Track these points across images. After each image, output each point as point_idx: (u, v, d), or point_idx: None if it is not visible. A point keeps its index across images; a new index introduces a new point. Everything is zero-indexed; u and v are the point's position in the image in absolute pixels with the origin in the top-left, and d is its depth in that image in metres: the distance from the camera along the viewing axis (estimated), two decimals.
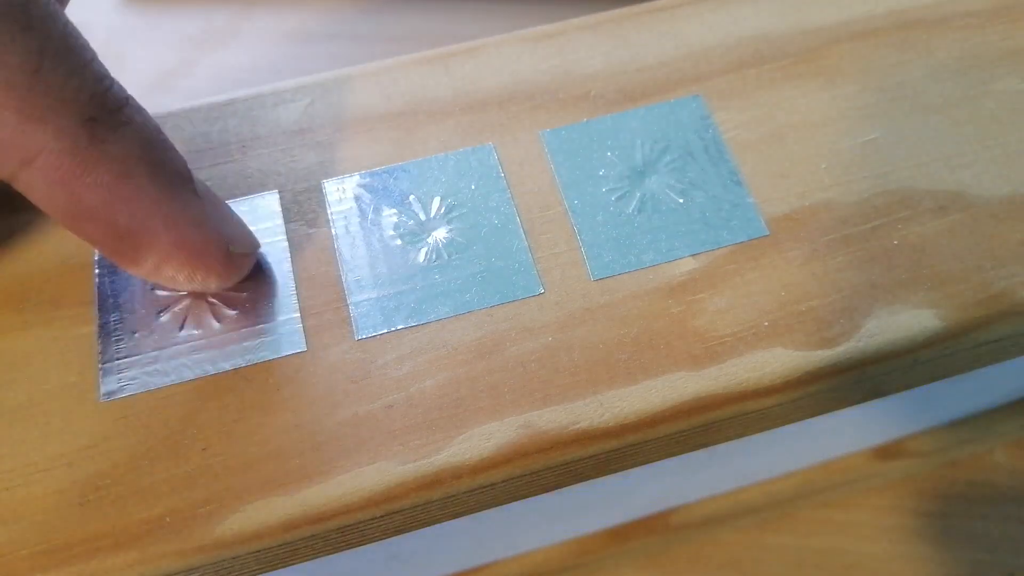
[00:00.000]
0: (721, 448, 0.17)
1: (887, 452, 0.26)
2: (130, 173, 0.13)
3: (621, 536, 0.25)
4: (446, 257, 0.16)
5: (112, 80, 0.13)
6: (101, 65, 0.13)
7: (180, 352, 0.15)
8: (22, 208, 0.17)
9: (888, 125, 0.18)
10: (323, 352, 0.16)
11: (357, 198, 0.17)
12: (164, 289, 0.16)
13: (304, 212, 0.17)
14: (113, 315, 0.16)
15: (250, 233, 0.16)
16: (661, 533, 0.25)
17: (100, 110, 0.13)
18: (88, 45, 0.13)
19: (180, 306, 0.16)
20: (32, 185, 0.13)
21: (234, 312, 0.16)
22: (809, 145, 0.18)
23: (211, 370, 0.15)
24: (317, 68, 0.19)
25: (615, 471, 0.16)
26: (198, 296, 0.16)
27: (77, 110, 0.13)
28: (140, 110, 0.14)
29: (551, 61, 0.19)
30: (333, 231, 0.17)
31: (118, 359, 0.15)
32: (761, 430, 0.16)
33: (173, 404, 0.15)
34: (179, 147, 0.18)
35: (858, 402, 0.17)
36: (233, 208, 0.17)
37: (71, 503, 0.14)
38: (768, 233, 0.17)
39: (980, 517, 0.27)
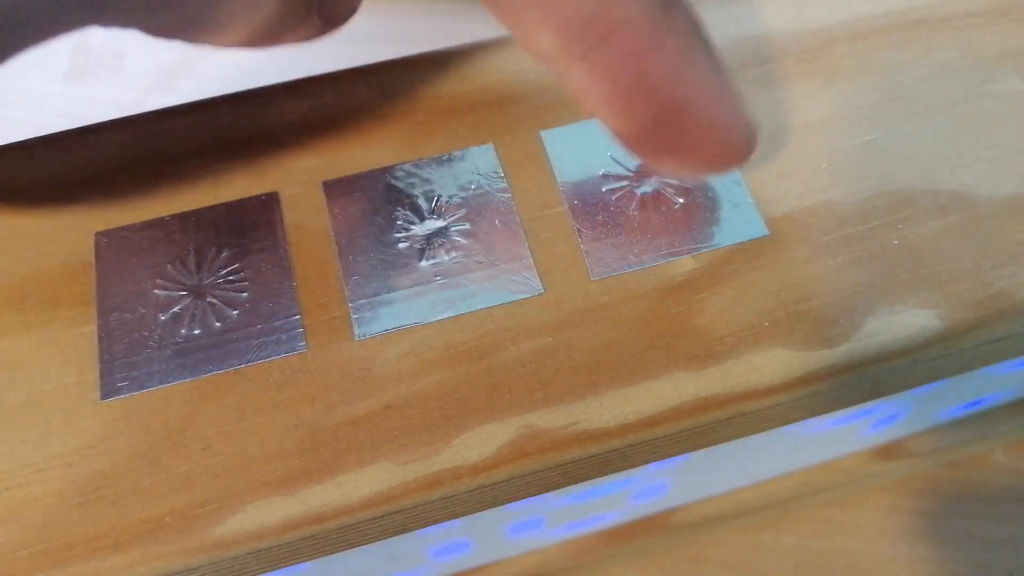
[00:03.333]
0: (721, 448, 0.17)
1: (887, 452, 0.26)
2: (691, 46, 0.13)
3: (621, 536, 0.25)
4: (446, 257, 0.16)
5: None
6: None
7: (180, 352, 0.15)
8: (22, 208, 0.17)
9: (888, 125, 0.18)
10: (323, 352, 0.16)
11: (357, 198, 0.17)
12: (165, 289, 0.16)
13: (304, 212, 0.17)
14: (113, 315, 0.16)
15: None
16: (661, 533, 0.25)
17: None
18: None
19: (180, 306, 0.16)
20: (599, 65, 0.13)
21: (234, 312, 0.16)
22: (809, 145, 0.18)
23: (211, 370, 0.15)
24: (317, 68, 0.19)
25: (615, 471, 0.16)
26: (198, 295, 0.16)
27: None
28: None
29: None
30: (333, 231, 0.17)
31: (118, 359, 0.15)
32: (761, 430, 0.16)
33: (173, 404, 0.15)
34: (179, 147, 0.18)
35: (858, 402, 0.17)
36: (234, 207, 0.17)
37: (71, 503, 0.14)
38: (768, 233, 0.17)
39: (980, 517, 0.27)
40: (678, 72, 0.13)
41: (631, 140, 0.14)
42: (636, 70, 0.13)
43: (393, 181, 0.17)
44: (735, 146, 0.14)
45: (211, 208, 0.17)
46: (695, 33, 0.13)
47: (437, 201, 0.17)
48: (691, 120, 0.13)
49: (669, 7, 0.13)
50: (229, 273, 0.16)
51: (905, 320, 0.16)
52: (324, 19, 0.16)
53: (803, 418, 0.17)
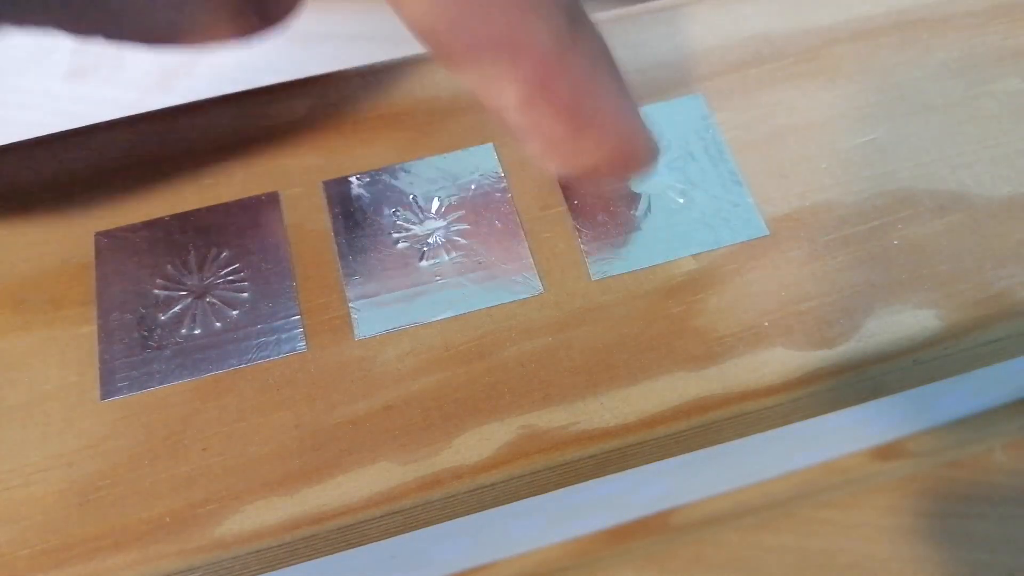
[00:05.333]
0: (721, 448, 0.17)
1: (887, 452, 0.26)
2: (596, 68, 0.13)
3: (621, 536, 0.25)
4: (446, 257, 0.16)
5: None
6: None
7: (180, 352, 0.15)
8: (22, 208, 0.17)
9: (888, 125, 0.18)
10: (323, 352, 0.16)
11: (357, 198, 0.17)
12: (165, 289, 0.16)
13: (304, 212, 0.17)
14: (113, 315, 0.16)
15: None
16: (661, 533, 0.26)
17: (576, 5, 0.13)
18: None
19: (180, 306, 0.16)
20: (511, 85, 0.13)
21: (234, 312, 0.16)
22: (809, 145, 0.18)
23: (211, 370, 0.15)
24: (317, 68, 0.19)
25: (615, 471, 0.16)
26: (198, 295, 0.16)
27: (566, 4, 0.13)
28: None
29: None
30: (333, 231, 0.17)
31: (118, 359, 0.15)
32: (761, 430, 0.16)
33: (173, 404, 0.15)
34: (180, 147, 0.18)
35: (858, 402, 0.17)
36: (235, 207, 0.17)
37: (71, 503, 0.14)
38: (768, 233, 0.17)
39: (980, 517, 0.27)
40: (584, 93, 0.13)
41: (542, 155, 0.14)
42: (543, 92, 0.13)
43: (393, 181, 0.17)
44: (638, 156, 0.15)
45: (211, 208, 0.17)
46: (600, 55, 0.14)
47: (437, 201, 0.17)
48: (593, 135, 0.14)
49: (576, 31, 0.13)
50: (229, 273, 0.16)
51: (905, 320, 0.16)
52: (261, 16, 0.16)
53: (803, 418, 0.17)
